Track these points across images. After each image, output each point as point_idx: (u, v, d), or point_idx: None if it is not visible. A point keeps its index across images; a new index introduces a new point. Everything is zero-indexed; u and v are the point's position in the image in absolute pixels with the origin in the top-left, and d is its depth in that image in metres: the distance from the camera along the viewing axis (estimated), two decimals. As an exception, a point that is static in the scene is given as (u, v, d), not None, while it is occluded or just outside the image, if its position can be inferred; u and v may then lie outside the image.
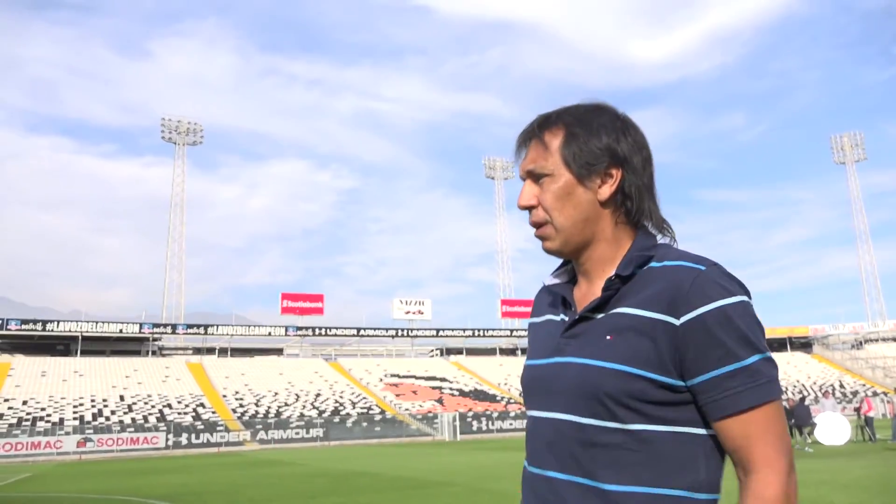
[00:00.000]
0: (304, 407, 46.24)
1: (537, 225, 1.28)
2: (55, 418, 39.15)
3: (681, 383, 1.15)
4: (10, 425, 37.36)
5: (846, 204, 79.69)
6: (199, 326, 57.45)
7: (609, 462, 1.15)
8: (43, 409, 40.29)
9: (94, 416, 40.38)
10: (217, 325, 57.90)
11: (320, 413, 45.29)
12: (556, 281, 1.37)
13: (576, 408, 1.18)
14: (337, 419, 44.22)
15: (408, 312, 63.15)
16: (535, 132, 1.30)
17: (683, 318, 1.13)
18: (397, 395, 50.79)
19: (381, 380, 54.46)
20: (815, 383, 59.82)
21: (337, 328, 61.51)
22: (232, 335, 57.80)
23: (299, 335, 59.42)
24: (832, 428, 21.06)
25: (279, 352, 61.41)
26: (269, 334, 59.30)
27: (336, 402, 47.98)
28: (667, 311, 1.15)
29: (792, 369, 63.11)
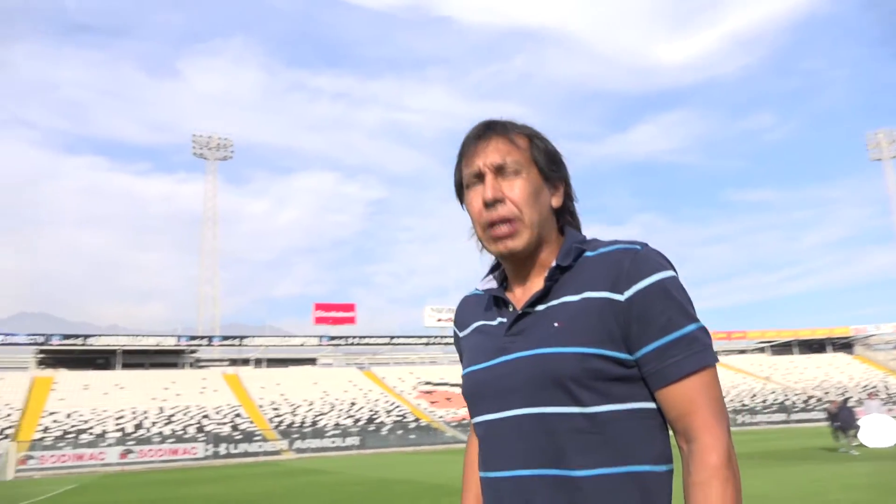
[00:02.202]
0: (339, 416, 46.53)
1: (504, 220, 1.26)
2: (98, 430, 39.97)
3: (630, 357, 1.19)
4: (56, 438, 38.24)
5: (883, 202, 78.19)
6: (234, 338, 58.21)
7: (575, 448, 1.16)
8: (86, 422, 41.17)
9: (136, 428, 41.13)
10: (251, 337, 58.61)
11: (356, 422, 45.53)
12: (490, 285, 1.38)
13: (536, 400, 1.19)
14: (372, 427, 44.40)
15: (439, 320, 63.20)
16: (499, 129, 1.31)
17: (627, 294, 1.18)
18: (431, 403, 50.83)
19: (414, 387, 54.56)
20: (857, 385, 58.34)
21: (369, 337, 61.81)
22: (266, 346, 58.45)
23: (332, 344, 59.84)
24: (878, 430, 20.53)
25: (313, 361, 61.87)
26: (303, 344, 59.81)
27: (371, 410, 48.18)
28: (610, 290, 1.20)
29: (833, 371, 61.62)
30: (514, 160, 1.28)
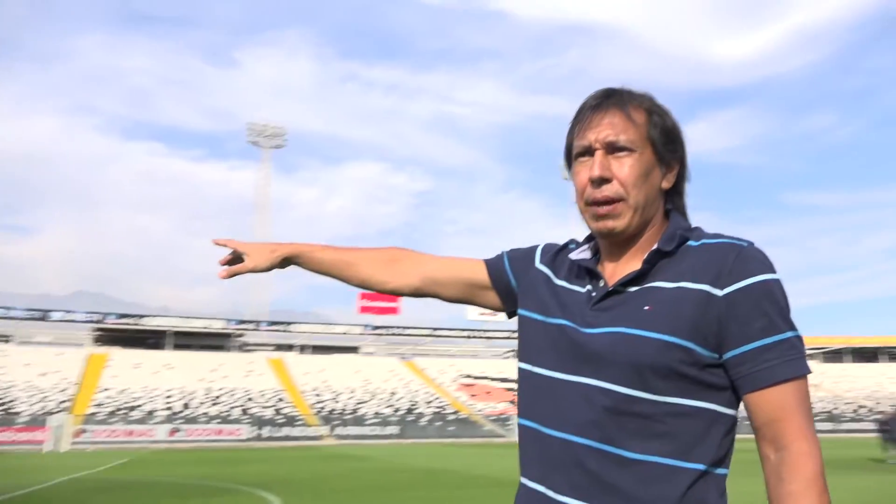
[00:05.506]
0: (379, 405, 47.16)
1: (609, 200, 1.23)
2: (148, 408, 41.40)
3: (715, 356, 1.16)
4: (109, 413, 39.77)
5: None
6: (280, 324, 59.44)
7: (634, 431, 1.15)
8: (137, 399, 42.67)
9: (183, 407, 42.44)
10: (297, 323, 59.78)
11: (395, 411, 46.09)
12: (583, 255, 1.34)
13: (608, 375, 1.17)
14: (411, 417, 44.90)
15: (482, 314, 63.27)
16: (617, 100, 1.26)
17: (727, 290, 1.14)
18: (471, 396, 51.06)
19: (454, 380, 54.88)
20: (911, 396, 56.44)
21: (412, 328, 62.36)
22: (311, 333, 59.51)
23: (375, 334, 60.58)
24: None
25: (355, 350, 62.75)
26: (346, 333, 60.70)
27: (411, 401, 48.69)
28: (710, 283, 1.15)
29: (886, 381, 59.73)
30: (628, 138, 1.23)
